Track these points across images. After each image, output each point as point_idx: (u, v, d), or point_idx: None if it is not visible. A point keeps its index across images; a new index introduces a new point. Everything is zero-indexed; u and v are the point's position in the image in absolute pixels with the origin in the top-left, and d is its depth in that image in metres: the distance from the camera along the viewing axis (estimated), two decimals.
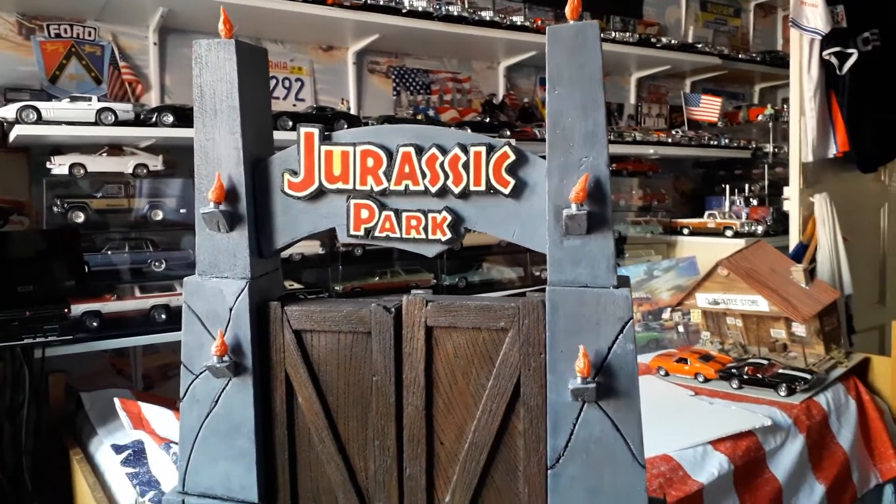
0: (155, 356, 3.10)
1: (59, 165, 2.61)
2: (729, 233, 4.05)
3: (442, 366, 1.18)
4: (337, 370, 1.23)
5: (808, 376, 2.71)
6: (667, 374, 2.93)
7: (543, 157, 1.10)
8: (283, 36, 3.36)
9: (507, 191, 1.11)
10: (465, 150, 1.12)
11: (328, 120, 2.92)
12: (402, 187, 1.16)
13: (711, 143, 4.41)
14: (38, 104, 2.43)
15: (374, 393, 1.21)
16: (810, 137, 3.49)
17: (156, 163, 2.78)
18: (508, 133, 3.44)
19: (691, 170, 5.03)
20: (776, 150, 4.49)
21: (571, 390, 1.07)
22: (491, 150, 1.11)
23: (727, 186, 4.31)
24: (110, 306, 2.58)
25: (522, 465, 1.16)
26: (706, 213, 4.27)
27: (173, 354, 3.08)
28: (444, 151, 1.13)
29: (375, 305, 1.19)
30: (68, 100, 2.51)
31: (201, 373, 1.23)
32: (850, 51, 3.41)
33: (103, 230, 2.74)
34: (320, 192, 1.20)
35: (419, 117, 3.57)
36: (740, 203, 4.23)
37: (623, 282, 1.09)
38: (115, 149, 2.75)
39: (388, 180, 1.16)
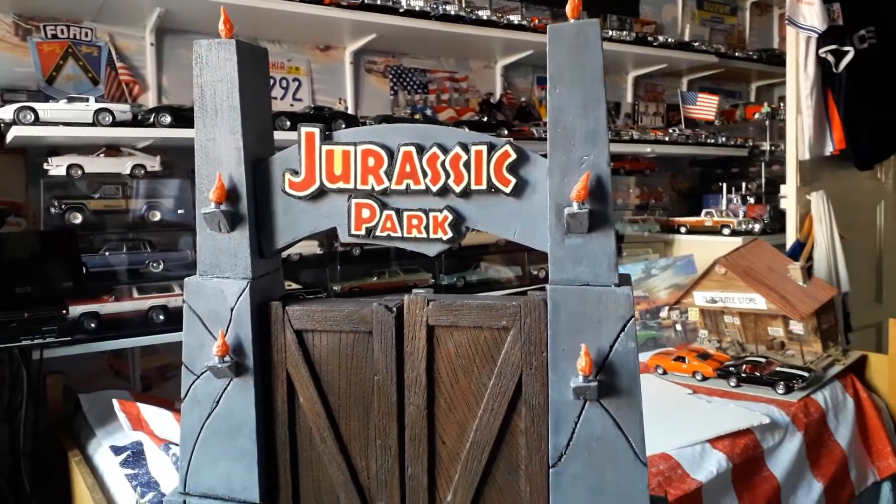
0: (153, 357, 3.10)
1: (57, 166, 2.61)
2: (726, 231, 4.05)
3: (443, 365, 1.18)
4: (338, 370, 1.23)
5: (806, 374, 2.72)
6: (665, 373, 2.94)
7: (544, 156, 1.10)
8: (280, 36, 3.36)
9: (508, 189, 1.11)
10: (466, 148, 1.12)
11: (326, 120, 2.92)
12: (403, 186, 1.16)
13: (708, 141, 4.42)
14: (36, 105, 2.42)
15: (376, 392, 1.21)
16: (807, 135, 3.50)
17: (153, 163, 2.77)
18: (506, 132, 3.44)
19: (688, 168, 5.04)
20: (773, 148, 4.50)
21: (573, 389, 1.08)
22: (492, 148, 1.11)
23: (724, 185, 4.32)
24: (108, 307, 2.57)
25: (524, 463, 1.16)
26: (703, 211, 4.27)
27: (171, 355, 3.09)
28: (445, 150, 1.13)
29: (377, 305, 1.19)
30: (66, 101, 2.51)
31: (202, 373, 1.23)
32: (846, 48, 3.42)
33: (101, 231, 2.74)
34: (321, 192, 1.20)
35: (417, 117, 3.57)
36: (737, 201, 4.23)
37: (624, 280, 1.09)
38: (113, 149, 2.75)
39: (390, 179, 1.16)
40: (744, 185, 4.39)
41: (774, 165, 4.45)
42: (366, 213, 1.18)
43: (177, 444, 2.06)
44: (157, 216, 2.80)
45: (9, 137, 2.45)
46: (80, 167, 2.64)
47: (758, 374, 2.74)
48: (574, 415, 1.10)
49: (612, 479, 1.10)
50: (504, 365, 1.15)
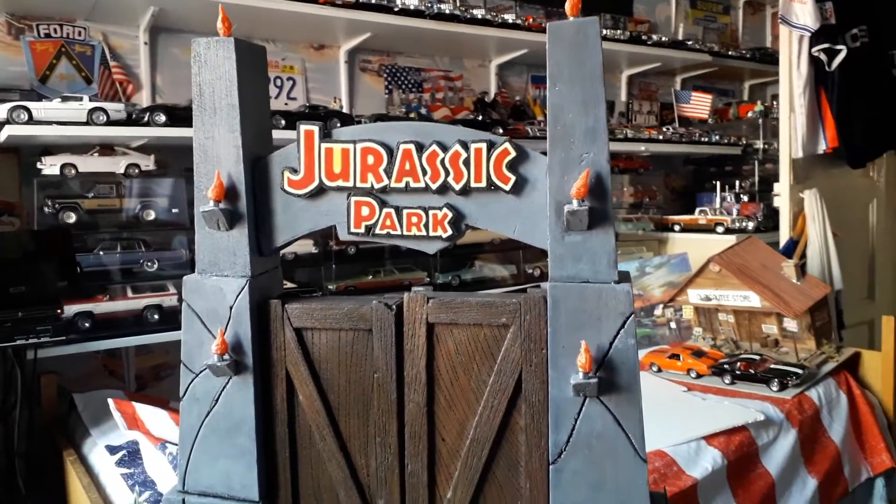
0: (148, 356, 3.09)
1: (50, 166, 2.59)
2: (720, 229, 4.06)
3: (443, 362, 1.19)
4: (338, 367, 1.23)
5: (800, 371, 2.73)
6: (659, 371, 2.95)
7: (543, 154, 1.10)
8: (275, 35, 3.35)
9: (507, 187, 1.12)
10: (465, 146, 1.13)
11: (321, 119, 2.91)
12: (402, 184, 1.16)
13: (702, 139, 4.43)
14: (29, 104, 2.40)
15: (376, 390, 1.21)
16: (800, 133, 3.52)
17: (147, 163, 2.76)
18: (501, 131, 3.44)
19: (682, 166, 5.05)
20: (766, 146, 4.52)
21: (573, 385, 1.08)
22: (491, 146, 1.12)
23: (718, 183, 4.33)
24: (102, 307, 2.56)
25: (524, 460, 1.16)
26: (697, 209, 4.28)
27: (166, 355, 3.08)
28: (444, 148, 1.13)
29: (376, 302, 1.19)
30: (59, 100, 2.49)
31: (201, 371, 1.23)
32: (838, 47, 3.44)
33: (95, 230, 2.73)
34: (320, 190, 1.20)
35: (411, 116, 3.57)
36: (731, 199, 4.25)
37: (624, 277, 1.10)
38: (107, 149, 2.74)
39: (389, 177, 1.16)
40: (737, 183, 4.40)
41: (768, 163, 4.47)
42: (365, 210, 1.19)
43: (173, 444, 2.05)
44: (151, 215, 2.79)
45: (2, 137, 2.43)
46: (74, 166, 2.62)
47: (752, 371, 2.75)
48: (574, 411, 1.11)
49: (613, 476, 1.10)
50: (504, 362, 1.15)
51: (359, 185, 1.18)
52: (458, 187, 1.14)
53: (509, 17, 3.57)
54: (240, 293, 1.21)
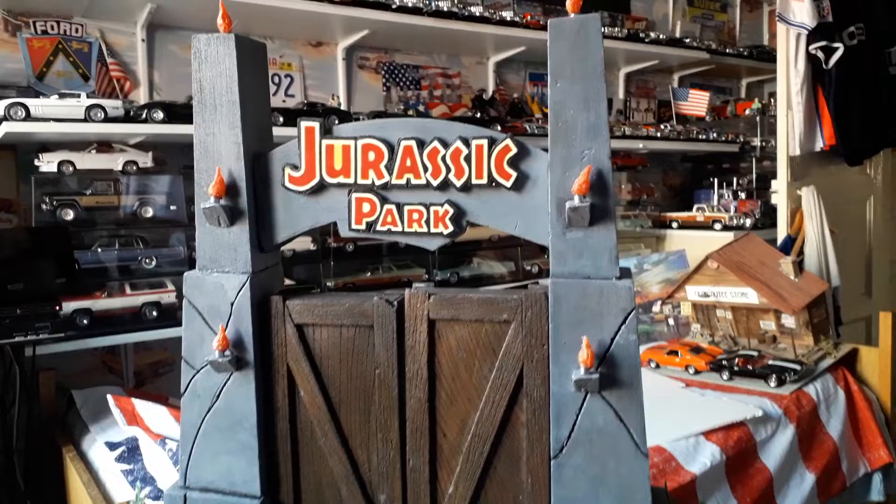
0: (146, 353, 3.09)
1: (48, 163, 2.59)
2: (717, 226, 4.07)
3: (445, 358, 1.19)
4: (339, 364, 1.23)
5: (798, 367, 2.74)
6: (658, 367, 2.95)
7: (544, 150, 1.11)
8: (272, 31, 3.35)
9: (509, 184, 1.12)
10: (466, 143, 1.13)
11: (319, 116, 2.91)
12: (403, 181, 1.16)
13: (699, 137, 4.44)
14: (27, 101, 2.39)
15: (377, 386, 1.21)
16: (797, 131, 3.52)
17: (145, 159, 2.76)
18: (499, 128, 3.44)
19: (680, 164, 5.06)
20: (763, 143, 4.53)
21: (574, 381, 1.08)
22: (493, 143, 1.12)
23: (715, 180, 4.34)
24: (101, 304, 2.56)
25: (525, 455, 1.16)
26: (695, 206, 4.29)
27: (164, 351, 3.08)
28: (445, 145, 1.14)
29: (378, 299, 1.19)
30: (57, 96, 2.49)
31: (203, 367, 1.23)
32: (835, 45, 3.44)
33: (93, 227, 2.72)
34: (321, 187, 1.20)
35: (409, 113, 3.56)
36: (728, 196, 4.26)
37: (625, 273, 1.10)
38: (105, 146, 2.73)
39: (390, 174, 1.16)
40: (735, 180, 4.41)
41: (765, 161, 4.48)
42: (366, 207, 1.19)
43: (173, 440, 2.05)
44: (149, 212, 2.79)
45: (0, 133, 2.43)
46: (72, 163, 2.62)
47: (750, 367, 2.76)
48: (575, 407, 1.11)
49: (614, 471, 1.11)
50: (505, 358, 1.15)
51: (360, 181, 1.18)
52: (459, 184, 1.14)
53: (507, 15, 3.57)
54: (241, 289, 1.21)
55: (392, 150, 1.16)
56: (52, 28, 2.86)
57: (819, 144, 3.57)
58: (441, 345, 1.19)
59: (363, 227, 1.19)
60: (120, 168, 2.72)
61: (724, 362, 2.82)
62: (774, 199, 3.73)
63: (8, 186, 2.74)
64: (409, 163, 1.15)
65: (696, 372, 2.87)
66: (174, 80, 3.10)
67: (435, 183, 1.15)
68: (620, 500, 1.11)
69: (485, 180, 1.13)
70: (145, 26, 3.02)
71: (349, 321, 1.21)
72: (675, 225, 4.30)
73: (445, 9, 3.33)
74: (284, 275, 3.07)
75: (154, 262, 2.76)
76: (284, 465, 1.27)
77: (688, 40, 4.49)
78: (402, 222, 1.18)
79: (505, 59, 4.06)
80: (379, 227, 1.19)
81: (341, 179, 1.19)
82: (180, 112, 2.61)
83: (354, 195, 1.19)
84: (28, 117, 2.38)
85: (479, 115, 3.64)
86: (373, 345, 1.21)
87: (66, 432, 2.42)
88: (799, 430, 2.53)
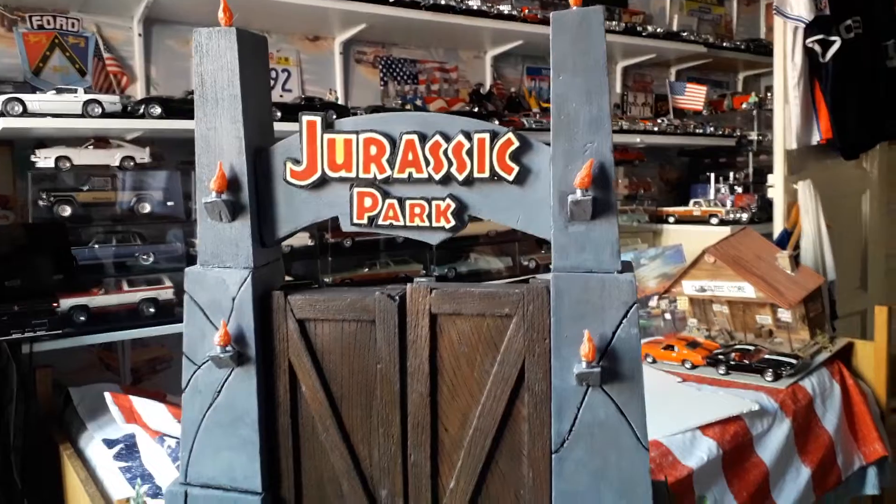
0: (143, 350, 3.08)
1: (45, 158, 2.58)
2: (714, 220, 4.08)
3: (446, 353, 1.19)
4: (341, 359, 1.23)
5: (794, 361, 2.75)
6: (654, 362, 2.96)
7: (546, 144, 1.10)
8: (269, 26, 3.34)
9: (511, 177, 1.11)
10: (468, 137, 1.12)
11: (317, 111, 2.90)
12: (405, 175, 1.15)
13: (696, 131, 4.45)
14: (24, 96, 2.39)
15: (379, 381, 1.21)
16: (794, 125, 3.53)
17: (143, 155, 2.75)
18: (496, 123, 3.44)
19: (676, 158, 5.07)
20: (760, 137, 4.54)
21: (576, 375, 1.08)
22: (495, 136, 1.11)
23: (712, 174, 4.35)
24: (98, 300, 2.55)
25: (527, 449, 1.16)
26: (691, 201, 4.30)
27: (162, 348, 3.07)
28: (447, 139, 1.13)
29: (380, 293, 1.19)
30: (54, 92, 2.48)
31: (204, 363, 1.23)
32: (832, 38, 3.45)
33: (90, 223, 2.72)
34: (323, 181, 1.19)
35: (407, 107, 3.56)
36: (725, 191, 4.27)
37: (627, 267, 1.10)
38: (102, 141, 2.72)
39: (392, 168, 1.16)
40: (731, 174, 4.42)
41: (762, 155, 4.49)
42: (368, 201, 1.18)
43: (171, 437, 2.05)
44: (146, 208, 2.78)
45: None
46: (69, 159, 2.61)
47: (746, 361, 2.77)
48: (577, 401, 1.11)
49: (615, 464, 1.11)
50: (507, 352, 1.15)
51: (361, 175, 1.18)
52: (461, 178, 1.13)
53: (505, 9, 3.57)
54: (242, 284, 1.20)
55: (394, 144, 1.16)
56: (49, 23, 2.84)
57: (816, 138, 3.59)
58: (443, 339, 1.19)
59: (365, 221, 1.19)
60: (117, 164, 2.71)
61: (721, 357, 2.84)
62: (771, 194, 3.75)
63: (4, 182, 2.73)
64: (410, 157, 1.15)
65: (693, 366, 2.88)
66: (171, 75, 3.10)
67: (437, 177, 1.14)
68: (622, 494, 1.11)
69: (487, 174, 1.12)
70: (142, 21, 3.01)
71: (351, 316, 1.21)
72: (671, 219, 4.31)
73: (443, 3, 3.32)
74: None
75: (151, 259, 2.75)
76: (286, 460, 1.26)
77: (685, 34, 4.49)
78: (404, 217, 1.17)
79: (502, 53, 4.06)
80: (381, 222, 1.18)
81: (343, 174, 1.18)
82: (178, 107, 2.60)
83: (356, 189, 1.18)
84: (25, 113, 2.38)
85: (476, 109, 3.64)
86: (374, 339, 1.21)
87: (64, 430, 2.42)
88: (795, 424, 2.55)
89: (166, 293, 2.66)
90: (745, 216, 4.03)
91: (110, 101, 2.53)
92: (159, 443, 2.05)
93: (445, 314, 1.18)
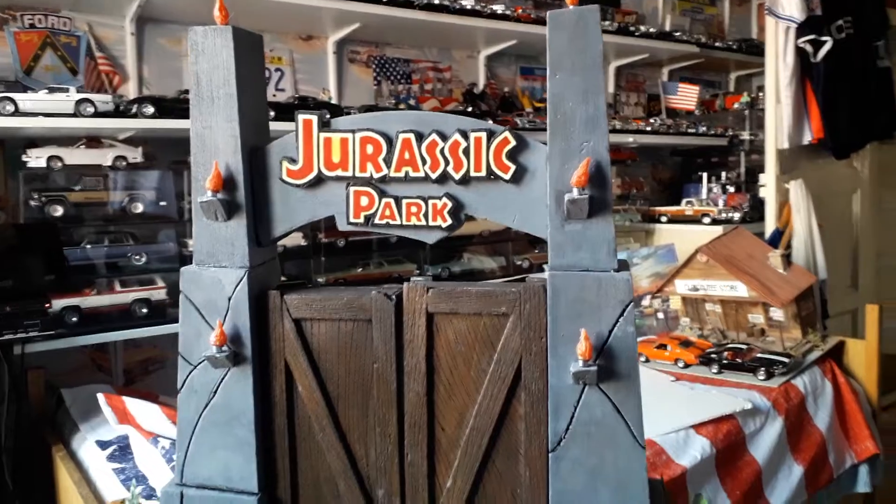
0: (136, 351, 3.06)
1: (36, 158, 2.56)
2: (706, 220, 4.09)
3: (443, 352, 1.19)
4: (337, 358, 1.23)
5: (786, 360, 2.77)
6: (647, 361, 2.97)
7: (543, 143, 1.11)
8: (262, 25, 3.32)
9: (507, 176, 1.12)
10: (465, 135, 1.12)
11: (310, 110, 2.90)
12: (402, 174, 1.16)
13: (689, 131, 4.46)
14: (15, 95, 2.37)
15: (375, 380, 1.21)
16: (785, 125, 3.55)
17: (135, 155, 2.74)
18: (490, 122, 3.44)
19: (669, 158, 5.08)
20: (752, 137, 4.56)
21: (573, 373, 1.08)
22: (491, 135, 1.12)
23: (704, 174, 4.37)
24: (90, 301, 2.54)
25: (524, 448, 1.16)
26: (684, 200, 4.31)
27: (154, 349, 3.06)
28: (444, 137, 1.13)
29: (376, 293, 1.19)
30: (45, 91, 2.46)
31: (200, 363, 1.22)
32: (824, 38, 3.47)
33: (82, 224, 2.70)
34: (319, 180, 1.19)
35: (400, 107, 3.56)
36: (717, 190, 4.28)
37: (623, 265, 1.10)
38: (94, 141, 2.71)
39: (388, 167, 1.16)
40: (724, 174, 4.44)
41: (754, 154, 4.51)
42: (364, 200, 1.18)
43: (165, 437, 2.04)
44: (139, 208, 2.77)
45: None
46: (60, 159, 2.59)
47: (739, 360, 2.78)
48: (573, 399, 1.11)
49: (612, 463, 1.11)
50: (503, 351, 1.15)
51: (358, 174, 1.18)
52: (457, 177, 1.14)
53: (498, 8, 3.56)
54: (238, 284, 1.20)
55: (390, 142, 1.16)
56: (40, 21, 2.82)
57: (807, 138, 3.60)
58: (439, 338, 1.19)
59: (361, 220, 1.19)
60: (109, 163, 2.70)
61: (714, 356, 2.85)
62: (763, 193, 3.76)
63: None
64: (407, 156, 1.15)
65: (686, 365, 2.89)
66: (164, 75, 3.08)
67: (433, 176, 1.14)
68: (618, 492, 1.11)
69: (483, 173, 1.12)
70: (134, 20, 2.99)
71: (347, 315, 1.21)
72: (664, 219, 4.32)
73: (436, 2, 3.32)
74: None
75: (144, 259, 2.74)
76: (282, 460, 1.26)
77: (677, 34, 4.50)
78: (401, 216, 1.17)
79: (496, 52, 4.06)
80: (377, 221, 1.18)
81: (339, 173, 1.18)
82: (171, 107, 2.59)
83: (352, 188, 1.18)
84: (16, 112, 2.36)
85: (469, 109, 3.64)
86: (371, 339, 1.21)
87: (56, 431, 2.40)
88: (787, 423, 2.56)
89: (159, 293, 2.64)
90: (737, 215, 4.05)
91: (102, 100, 2.52)
92: (153, 444, 2.04)
93: (442, 313, 1.18)
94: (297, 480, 1.27)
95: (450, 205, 1.15)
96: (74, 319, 2.47)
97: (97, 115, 2.49)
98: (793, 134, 3.55)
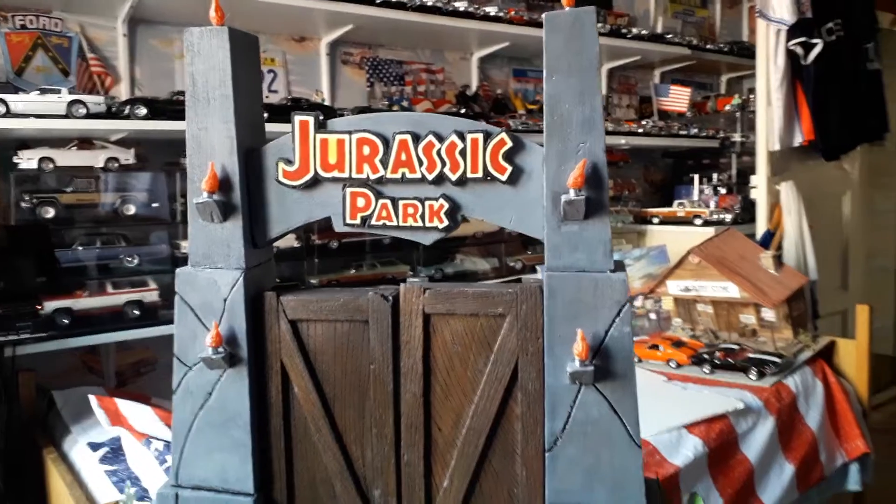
0: (127, 353, 3.05)
1: (28, 160, 2.55)
2: (698, 221, 4.12)
3: (440, 353, 1.19)
4: (334, 359, 1.23)
5: (778, 360, 2.78)
6: (640, 361, 2.98)
7: (539, 144, 1.11)
8: (255, 26, 3.32)
9: (504, 177, 1.12)
10: (462, 137, 1.13)
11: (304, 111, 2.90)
12: (398, 175, 1.16)
13: (680, 133, 4.48)
14: (7, 97, 2.36)
15: (372, 381, 1.21)
16: (776, 127, 3.57)
17: (127, 156, 2.72)
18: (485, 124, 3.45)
19: (660, 160, 5.10)
20: (743, 139, 4.58)
21: (569, 373, 1.09)
22: (488, 136, 1.12)
23: (696, 176, 4.39)
24: (82, 303, 2.53)
25: (520, 448, 1.17)
26: (675, 202, 4.33)
27: (147, 351, 3.04)
28: (440, 139, 1.13)
29: (373, 294, 1.19)
30: (37, 92, 2.45)
31: (195, 365, 1.22)
32: (814, 41, 3.49)
33: (73, 226, 2.69)
34: (315, 181, 1.19)
35: (393, 108, 3.56)
36: (709, 192, 4.31)
37: (619, 266, 1.11)
38: (86, 142, 2.70)
39: (385, 168, 1.16)
40: (715, 175, 4.46)
41: (745, 156, 4.53)
42: (361, 202, 1.18)
43: (158, 439, 2.03)
44: (131, 210, 2.75)
45: None
46: (52, 160, 2.58)
47: (731, 360, 2.80)
48: (570, 399, 1.12)
49: (608, 462, 1.12)
50: (500, 351, 1.16)
51: (354, 175, 1.17)
52: (454, 178, 1.14)
53: (491, 10, 3.57)
54: (234, 285, 1.20)
55: (387, 144, 1.16)
56: (31, 22, 2.80)
57: (798, 140, 3.62)
58: (436, 339, 1.19)
59: (358, 221, 1.19)
60: (101, 165, 2.68)
61: (706, 356, 2.86)
62: (754, 195, 3.78)
63: None
64: (404, 157, 1.15)
65: (678, 366, 2.90)
66: (156, 76, 3.07)
67: (430, 177, 1.14)
68: (614, 492, 1.12)
69: (480, 174, 1.13)
70: (126, 21, 2.98)
71: (344, 316, 1.21)
72: (655, 220, 4.34)
73: (429, 4, 3.32)
74: None
75: (136, 261, 2.73)
76: (278, 461, 1.26)
77: (669, 36, 4.52)
78: (397, 217, 1.17)
79: (489, 54, 4.07)
80: (374, 222, 1.18)
81: (336, 174, 1.18)
82: (163, 108, 2.58)
83: (349, 190, 1.18)
84: (7, 113, 2.35)
85: (462, 110, 3.64)
86: (367, 340, 1.20)
87: (47, 434, 2.38)
88: (779, 422, 2.57)
89: (151, 295, 2.63)
90: (728, 217, 4.07)
91: (94, 101, 2.51)
92: (146, 445, 2.03)
93: (439, 314, 1.18)
94: (294, 481, 1.27)
95: (446, 206, 1.15)
96: (66, 321, 2.46)
97: (89, 116, 2.48)
98: (784, 136, 3.57)
